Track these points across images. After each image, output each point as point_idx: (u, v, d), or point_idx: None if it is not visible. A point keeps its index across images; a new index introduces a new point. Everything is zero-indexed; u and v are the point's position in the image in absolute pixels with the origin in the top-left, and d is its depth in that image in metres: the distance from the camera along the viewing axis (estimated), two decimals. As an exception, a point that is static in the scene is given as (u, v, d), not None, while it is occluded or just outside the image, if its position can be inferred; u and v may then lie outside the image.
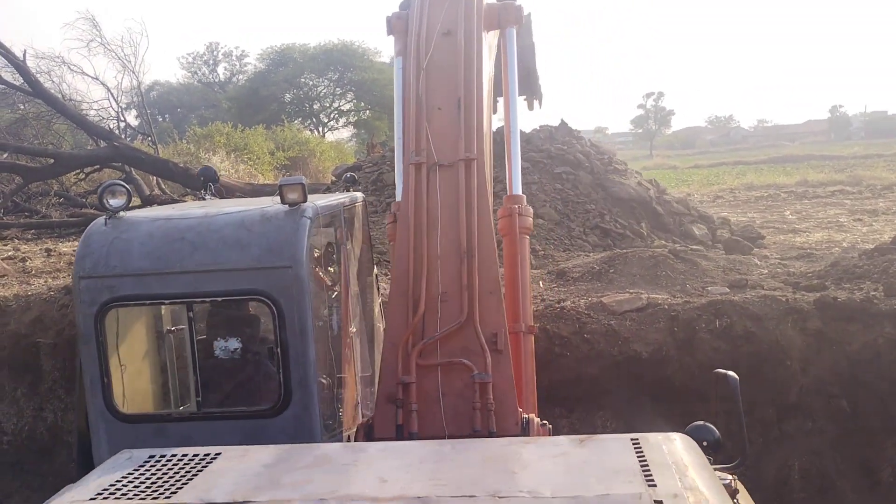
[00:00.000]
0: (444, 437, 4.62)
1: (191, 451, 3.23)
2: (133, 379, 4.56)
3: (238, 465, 3.10)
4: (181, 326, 4.71)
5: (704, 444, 3.59)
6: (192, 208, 5.16)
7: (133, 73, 24.99)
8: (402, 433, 4.52)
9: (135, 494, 2.83)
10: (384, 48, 52.28)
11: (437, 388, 4.62)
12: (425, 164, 5.12)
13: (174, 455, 3.17)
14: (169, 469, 3.07)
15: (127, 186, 4.48)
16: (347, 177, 7.14)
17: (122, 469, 3.10)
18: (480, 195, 5.01)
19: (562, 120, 16.60)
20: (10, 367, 9.17)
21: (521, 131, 18.08)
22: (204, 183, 5.84)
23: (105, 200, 4.43)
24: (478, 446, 3.57)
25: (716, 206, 20.07)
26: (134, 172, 18.72)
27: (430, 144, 5.12)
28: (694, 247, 12.04)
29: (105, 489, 2.89)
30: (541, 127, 16.49)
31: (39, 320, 9.24)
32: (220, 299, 4.52)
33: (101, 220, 4.47)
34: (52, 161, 17.39)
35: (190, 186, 18.14)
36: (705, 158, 59.77)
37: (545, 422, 4.88)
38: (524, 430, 4.63)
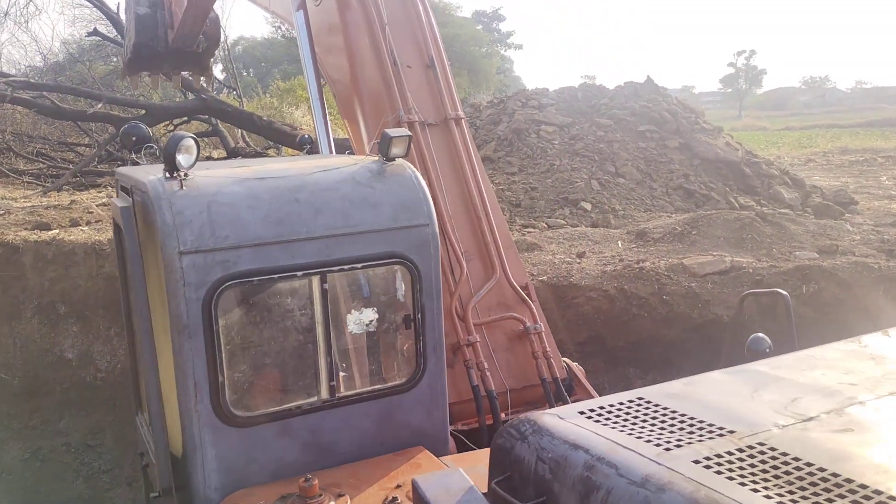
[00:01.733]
0: (505, 392, 4.72)
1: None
2: (247, 374, 3.80)
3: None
4: (305, 302, 3.93)
5: (767, 350, 4.33)
6: (255, 165, 4.43)
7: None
8: (478, 393, 4.64)
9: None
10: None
11: (487, 344, 4.77)
12: (417, 122, 5.14)
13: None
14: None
15: (195, 138, 3.71)
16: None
17: None
18: (474, 153, 5.15)
19: (647, 76, 16.15)
20: (104, 308, 9.63)
21: (604, 87, 17.66)
22: (136, 144, 4.71)
23: (177, 157, 3.60)
24: None
25: (807, 170, 19.25)
26: (220, 125, 19.18)
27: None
28: (782, 210, 11.62)
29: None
30: (625, 83, 16.09)
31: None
32: (360, 266, 3.87)
33: (167, 181, 3.61)
34: (143, 112, 17.95)
35: (273, 139, 18.50)
36: (798, 120, 57.25)
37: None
38: (568, 372, 5.04)
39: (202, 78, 10.12)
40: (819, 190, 14.19)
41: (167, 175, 3.60)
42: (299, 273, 3.70)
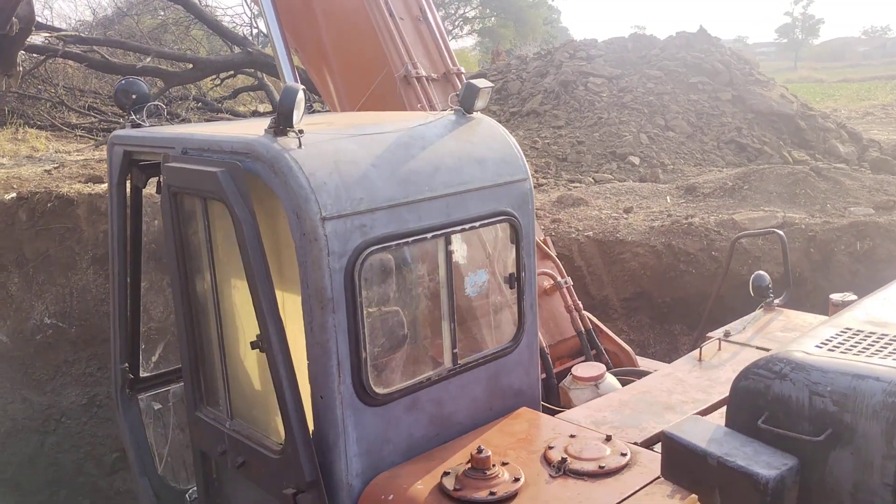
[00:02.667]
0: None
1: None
2: (385, 347, 3.57)
3: None
4: (432, 267, 3.67)
5: (769, 285, 4.95)
6: (334, 119, 4.20)
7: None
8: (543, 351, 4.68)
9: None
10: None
11: None
12: (424, 77, 5.00)
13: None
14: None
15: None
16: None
17: None
18: None
19: (700, 26, 15.67)
20: (156, 261, 9.87)
21: (655, 38, 17.21)
22: (135, 103, 4.24)
23: (293, 111, 3.19)
24: None
25: (865, 124, 18.58)
26: (266, 79, 19.23)
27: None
28: (838, 165, 11.28)
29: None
30: (676, 34, 15.66)
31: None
32: (477, 225, 3.63)
33: (282, 140, 3.21)
34: (190, 66, 18.08)
35: (317, 94, 18.55)
36: (856, 72, 55.11)
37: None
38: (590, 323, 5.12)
39: (7, 78, 8.38)
40: (877, 144, 13.71)
41: (277, 132, 3.19)
42: (429, 235, 3.43)
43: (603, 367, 4.61)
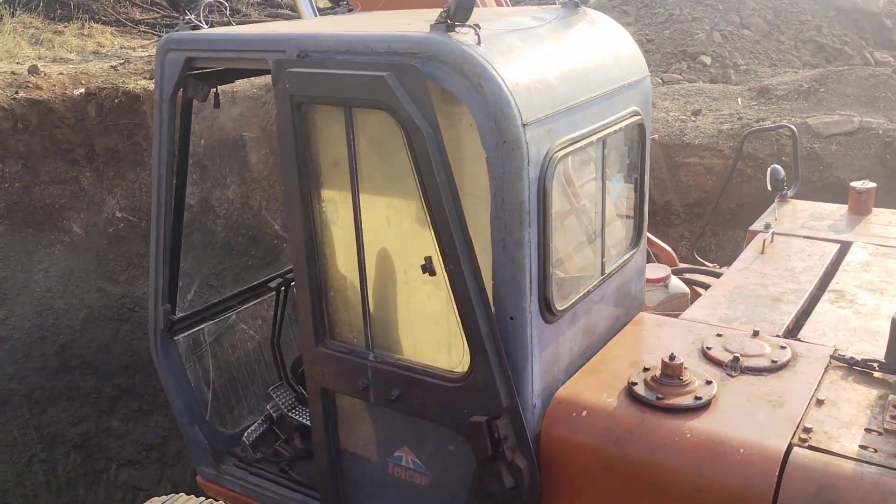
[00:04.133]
0: None
1: None
2: (563, 259, 3.36)
3: None
4: (594, 172, 3.45)
5: (783, 178, 5.28)
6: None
7: None
8: None
9: None
10: None
11: None
12: None
13: None
14: None
15: None
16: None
17: None
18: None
19: (784, -85, 14.60)
20: (220, 157, 10.03)
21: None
22: (191, 1, 3.83)
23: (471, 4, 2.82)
24: None
25: (959, 22, 17.30)
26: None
27: None
28: (925, 67, 10.60)
29: None
30: (758, -77, 14.63)
31: (243, 115, 9.90)
32: (623, 127, 3.43)
33: (461, 36, 2.85)
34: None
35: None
36: (954, -35, 50.90)
37: None
38: None
39: None
40: (972, 44, 12.81)
41: (449, 28, 2.81)
42: (594, 138, 3.21)
43: (667, 267, 4.59)
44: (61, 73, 10.23)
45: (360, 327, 3.40)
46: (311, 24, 3.72)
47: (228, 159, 9.95)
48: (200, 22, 3.80)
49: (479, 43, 2.81)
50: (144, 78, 10.39)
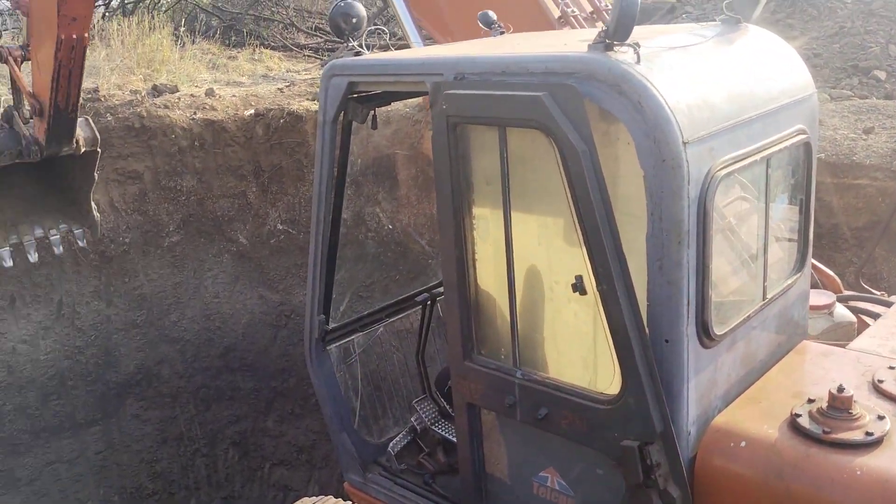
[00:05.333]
0: None
1: None
2: (724, 281, 3.27)
3: None
4: (755, 191, 3.35)
5: None
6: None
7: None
8: None
9: None
10: None
11: None
12: (580, 15, 4.71)
13: None
14: None
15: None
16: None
17: None
18: None
19: (975, -84, 13.43)
20: (374, 175, 10.43)
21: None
22: (355, 27, 3.91)
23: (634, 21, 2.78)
24: None
25: None
26: None
27: None
28: None
29: None
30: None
31: (397, 133, 10.25)
32: (788, 144, 3.35)
33: (618, 54, 2.84)
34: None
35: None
36: None
37: None
38: None
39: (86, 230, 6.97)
40: None
41: (607, 47, 2.82)
42: (758, 157, 3.16)
43: (832, 294, 4.33)
44: (234, 96, 11.02)
45: (507, 344, 3.40)
46: (465, 48, 3.84)
47: (380, 176, 10.32)
48: (363, 48, 3.95)
49: (638, 61, 2.81)
50: (307, 99, 10.99)
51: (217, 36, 14.86)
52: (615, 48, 2.83)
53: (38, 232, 6.72)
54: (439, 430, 4.58)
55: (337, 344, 4.54)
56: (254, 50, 14.49)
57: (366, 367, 4.89)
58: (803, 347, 3.67)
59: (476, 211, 3.37)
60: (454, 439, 4.33)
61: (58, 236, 6.77)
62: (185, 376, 10.66)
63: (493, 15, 4.15)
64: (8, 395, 9.86)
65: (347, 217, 10.35)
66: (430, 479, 4.40)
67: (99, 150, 6.55)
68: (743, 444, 2.95)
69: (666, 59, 2.99)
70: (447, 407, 4.58)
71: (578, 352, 3.30)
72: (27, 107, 6.27)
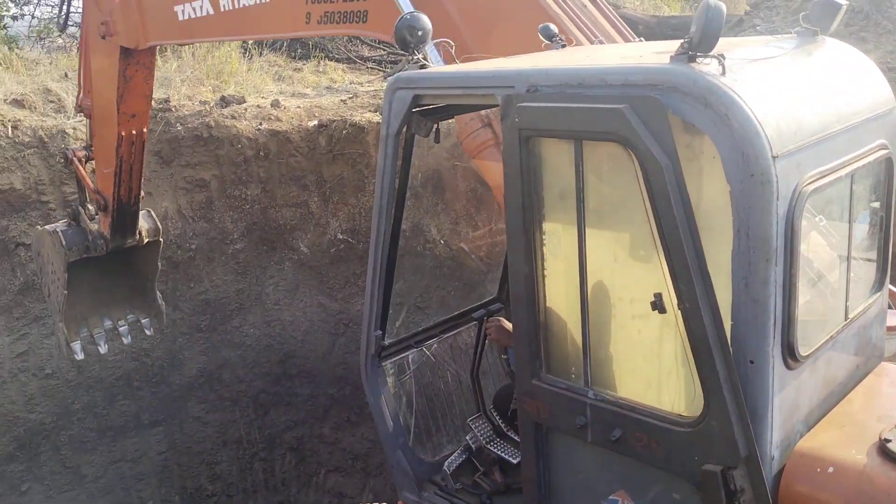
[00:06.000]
0: None
1: None
2: (811, 298, 3.18)
3: None
4: (840, 206, 3.29)
5: None
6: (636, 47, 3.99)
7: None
8: None
9: None
10: None
11: None
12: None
13: None
14: None
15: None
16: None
17: None
18: None
19: None
20: (434, 186, 10.51)
21: None
22: (421, 39, 3.88)
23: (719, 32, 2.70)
24: None
25: None
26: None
27: None
28: None
29: None
30: None
31: (456, 146, 10.31)
32: (871, 160, 3.29)
33: (701, 66, 2.75)
34: None
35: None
36: None
37: None
38: None
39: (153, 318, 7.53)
40: None
41: (691, 58, 2.74)
42: (843, 173, 3.09)
43: None
44: (298, 107, 11.24)
45: (578, 363, 3.30)
46: (534, 60, 3.75)
47: (438, 189, 10.40)
48: (428, 61, 3.91)
49: (723, 73, 2.73)
50: (369, 111, 11.15)
51: (283, 48, 15.16)
52: (698, 59, 2.75)
53: (108, 324, 7.22)
54: (495, 450, 4.51)
55: (393, 360, 4.52)
56: (318, 62, 14.75)
57: (419, 383, 4.85)
58: (882, 370, 3.56)
59: (547, 226, 3.29)
60: (511, 459, 4.32)
61: (126, 327, 7.25)
62: (246, 381, 10.87)
63: (553, 27, 4.10)
64: (77, 395, 10.21)
65: (406, 227, 10.44)
66: (488, 500, 4.32)
67: (161, 239, 6.91)
68: (830, 469, 2.85)
69: (750, 71, 2.89)
70: (502, 425, 4.55)
71: (654, 372, 3.19)
72: (92, 204, 6.66)
